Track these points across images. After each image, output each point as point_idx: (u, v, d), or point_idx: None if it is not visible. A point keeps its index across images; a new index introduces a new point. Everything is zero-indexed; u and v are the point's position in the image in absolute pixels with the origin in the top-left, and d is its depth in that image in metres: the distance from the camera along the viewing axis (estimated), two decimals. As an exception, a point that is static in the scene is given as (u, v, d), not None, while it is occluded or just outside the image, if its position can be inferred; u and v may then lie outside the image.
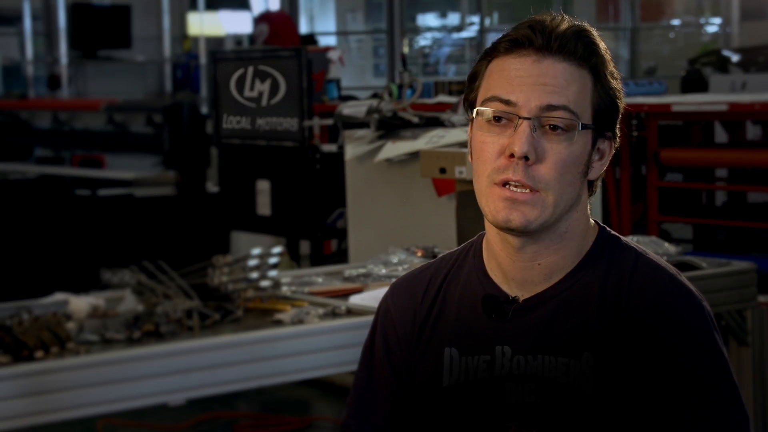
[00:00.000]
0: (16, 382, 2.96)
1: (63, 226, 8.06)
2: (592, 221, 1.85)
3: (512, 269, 1.81)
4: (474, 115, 1.79)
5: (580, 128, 1.75)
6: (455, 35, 12.99)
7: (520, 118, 1.73)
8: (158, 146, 8.04)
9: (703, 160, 6.03)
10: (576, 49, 1.76)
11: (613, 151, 1.84)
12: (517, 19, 1.85)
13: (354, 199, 5.14)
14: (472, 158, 1.81)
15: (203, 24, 13.97)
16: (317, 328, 3.41)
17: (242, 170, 6.40)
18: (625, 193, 5.91)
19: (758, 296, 4.20)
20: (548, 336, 1.78)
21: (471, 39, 12.37)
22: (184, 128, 7.90)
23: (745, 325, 4.18)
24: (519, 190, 1.74)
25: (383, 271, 4.00)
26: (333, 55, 7.31)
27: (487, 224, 1.83)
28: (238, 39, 10.32)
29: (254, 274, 3.67)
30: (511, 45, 1.77)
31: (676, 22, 12.32)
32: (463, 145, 4.37)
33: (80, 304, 3.56)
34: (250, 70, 6.23)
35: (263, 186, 6.26)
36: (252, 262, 3.68)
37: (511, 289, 1.82)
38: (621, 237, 1.85)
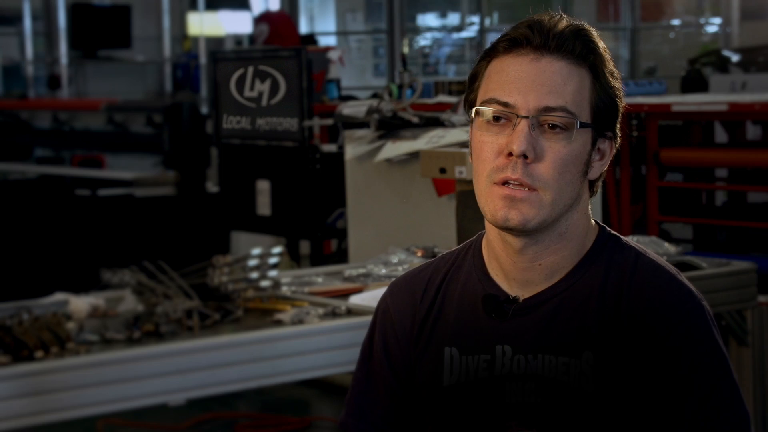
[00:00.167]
0: (16, 382, 2.96)
1: (63, 226, 8.05)
2: (592, 221, 1.85)
3: (513, 269, 1.82)
4: (474, 115, 1.79)
5: (578, 126, 1.75)
6: (455, 35, 12.99)
7: (518, 117, 1.74)
8: (158, 146, 8.03)
9: (703, 160, 6.03)
10: (574, 47, 1.76)
11: (614, 151, 1.83)
12: (517, 19, 1.85)
13: (354, 199, 5.13)
14: (472, 159, 1.81)
15: (203, 24, 13.97)
16: (317, 328, 3.41)
17: (242, 170, 6.39)
18: (625, 193, 5.91)
19: (758, 296, 4.19)
20: (548, 335, 1.78)
21: (471, 39, 12.37)
22: (184, 128, 7.89)
23: (745, 325, 4.17)
24: (518, 188, 1.74)
25: (383, 271, 4.00)
26: (333, 55, 7.30)
27: (487, 225, 1.83)
28: (238, 39, 10.30)
29: (254, 274, 3.67)
30: (509, 44, 1.78)
31: (676, 22, 12.32)
32: (463, 145, 4.37)
33: (80, 304, 3.56)
34: (250, 70, 6.23)
35: (263, 186, 6.26)
36: (252, 262, 3.68)
37: (511, 289, 1.82)
38: (621, 237, 1.85)
